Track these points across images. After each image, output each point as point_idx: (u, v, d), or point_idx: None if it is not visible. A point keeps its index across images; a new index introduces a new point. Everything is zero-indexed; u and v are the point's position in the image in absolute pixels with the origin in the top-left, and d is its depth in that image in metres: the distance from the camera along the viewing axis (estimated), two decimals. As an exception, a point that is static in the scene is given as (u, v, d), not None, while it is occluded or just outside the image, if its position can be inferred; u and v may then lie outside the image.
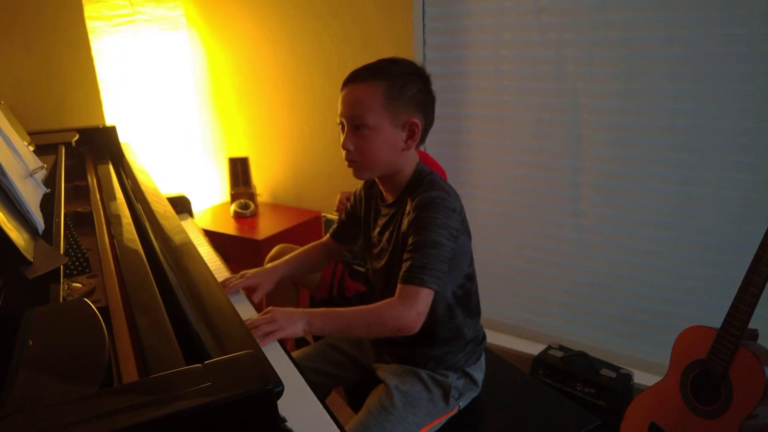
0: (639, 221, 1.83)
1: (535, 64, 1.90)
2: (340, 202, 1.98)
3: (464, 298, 1.26)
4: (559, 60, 1.84)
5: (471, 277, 1.28)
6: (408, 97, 1.15)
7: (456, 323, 1.26)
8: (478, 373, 1.32)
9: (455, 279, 1.23)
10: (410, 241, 1.13)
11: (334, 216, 1.97)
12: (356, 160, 1.19)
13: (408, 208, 1.17)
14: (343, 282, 1.92)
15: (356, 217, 1.41)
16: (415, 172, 1.23)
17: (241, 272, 1.38)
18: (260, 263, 1.98)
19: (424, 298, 1.10)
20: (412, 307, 1.09)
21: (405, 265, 1.12)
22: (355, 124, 1.15)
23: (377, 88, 1.13)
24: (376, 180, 1.29)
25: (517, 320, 2.20)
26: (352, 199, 1.43)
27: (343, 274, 1.93)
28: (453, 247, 1.13)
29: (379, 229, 1.29)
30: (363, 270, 1.91)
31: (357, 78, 1.16)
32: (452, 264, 1.15)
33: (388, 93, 1.13)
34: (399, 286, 1.12)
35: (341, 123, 1.19)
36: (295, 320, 1.10)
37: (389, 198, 1.27)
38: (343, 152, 1.20)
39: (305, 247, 1.51)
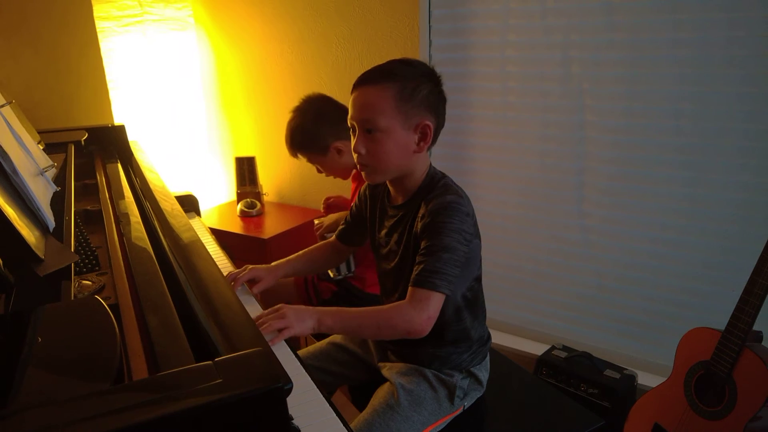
0: (643, 222, 1.83)
1: (540, 65, 1.90)
2: (326, 207, 1.98)
3: (472, 300, 1.27)
4: (565, 62, 1.85)
5: (479, 279, 1.28)
6: (420, 98, 1.14)
7: (463, 325, 1.27)
8: (483, 373, 1.33)
9: (465, 282, 1.24)
10: (423, 244, 1.13)
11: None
12: (368, 164, 1.18)
13: (421, 211, 1.16)
14: (316, 286, 1.93)
15: (362, 217, 1.41)
16: (427, 175, 1.22)
17: (245, 266, 1.40)
18: (266, 262, 2.00)
19: (435, 302, 1.10)
20: (423, 311, 1.09)
21: (417, 268, 1.12)
22: (366, 127, 1.14)
23: (388, 91, 1.12)
24: (386, 181, 1.29)
25: (521, 320, 2.20)
26: (356, 200, 1.44)
27: (313, 279, 1.94)
28: (466, 252, 1.13)
29: (387, 231, 1.29)
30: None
31: (368, 80, 1.15)
32: (464, 268, 1.15)
33: (400, 95, 1.12)
34: (410, 289, 1.12)
35: (352, 126, 1.18)
36: (305, 318, 1.10)
37: (398, 199, 1.26)
38: (354, 155, 1.19)
39: (312, 247, 1.52)
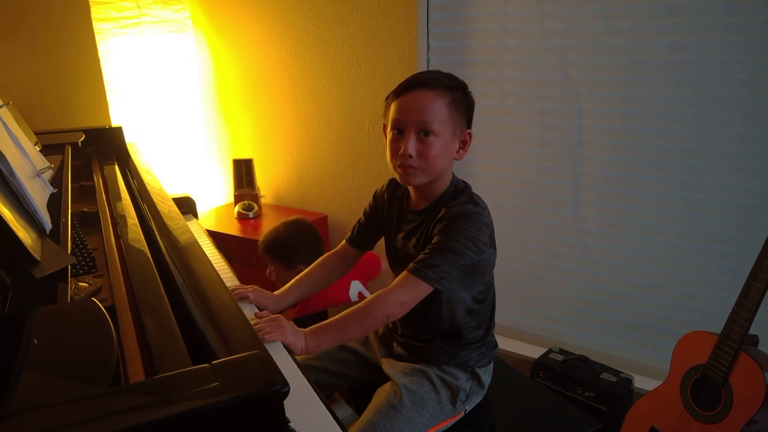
0: (640, 226, 1.84)
1: (538, 69, 1.91)
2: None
3: (484, 302, 1.29)
4: (562, 65, 1.85)
5: (491, 284, 1.30)
6: (464, 109, 1.20)
7: (475, 324, 1.28)
8: (486, 376, 1.34)
9: (478, 285, 1.25)
10: (434, 240, 1.15)
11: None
12: (417, 166, 1.17)
13: (441, 215, 1.18)
14: None
15: (378, 220, 1.39)
16: (451, 183, 1.25)
17: (252, 285, 1.35)
18: (262, 264, 2.00)
19: (419, 290, 1.13)
20: (401, 295, 1.12)
21: (418, 257, 1.14)
22: (422, 129, 1.15)
23: (444, 98, 1.16)
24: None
25: (518, 323, 2.20)
26: (371, 201, 1.42)
27: None
28: (473, 258, 1.15)
29: (404, 234, 1.29)
30: None
31: (425, 84, 1.17)
32: (476, 272, 1.19)
33: (452, 103, 1.17)
34: (404, 273, 1.14)
35: (398, 128, 1.18)
36: (299, 335, 1.11)
37: (420, 204, 1.27)
38: (388, 157, 1.20)
39: (315, 264, 1.45)
